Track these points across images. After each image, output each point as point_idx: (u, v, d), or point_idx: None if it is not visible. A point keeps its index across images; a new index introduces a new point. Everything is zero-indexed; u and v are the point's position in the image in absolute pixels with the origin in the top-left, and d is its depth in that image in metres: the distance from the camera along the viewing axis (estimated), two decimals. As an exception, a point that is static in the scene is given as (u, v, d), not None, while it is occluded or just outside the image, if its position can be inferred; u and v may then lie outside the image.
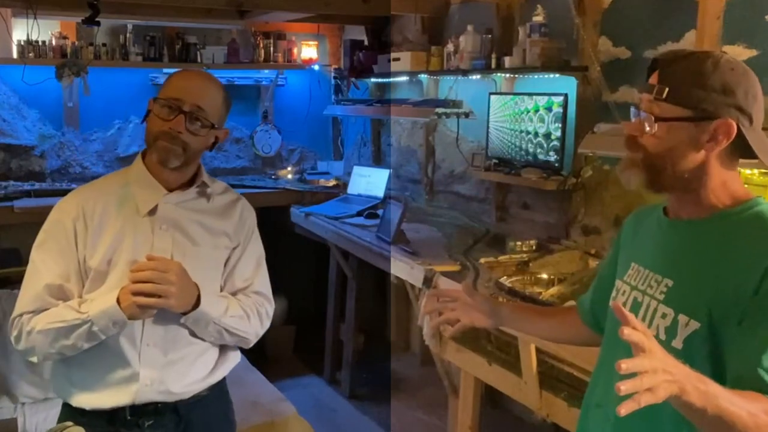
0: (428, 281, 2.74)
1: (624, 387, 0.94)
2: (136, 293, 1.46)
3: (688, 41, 2.50)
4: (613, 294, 1.34)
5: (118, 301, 1.46)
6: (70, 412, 1.62)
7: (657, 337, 1.15)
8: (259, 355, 4.13)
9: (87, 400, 1.58)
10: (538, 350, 2.26)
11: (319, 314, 4.43)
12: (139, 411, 1.58)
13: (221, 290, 1.69)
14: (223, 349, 1.71)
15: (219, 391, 1.73)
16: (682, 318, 1.15)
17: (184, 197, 1.64)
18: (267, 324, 1.74)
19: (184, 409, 1.63)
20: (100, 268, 1.55)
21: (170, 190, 1.63)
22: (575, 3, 2.88)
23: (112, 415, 1.58)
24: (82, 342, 1.50)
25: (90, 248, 1.56)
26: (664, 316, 1.18)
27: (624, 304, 1.26)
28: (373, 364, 4.24)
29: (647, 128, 1.18)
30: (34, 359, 1.58)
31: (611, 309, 1.21)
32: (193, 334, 1.61)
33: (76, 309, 1.50)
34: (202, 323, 1.59)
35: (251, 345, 1.74)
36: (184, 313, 1.55)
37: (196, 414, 1.65)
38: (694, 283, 1.16)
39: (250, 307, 1.69)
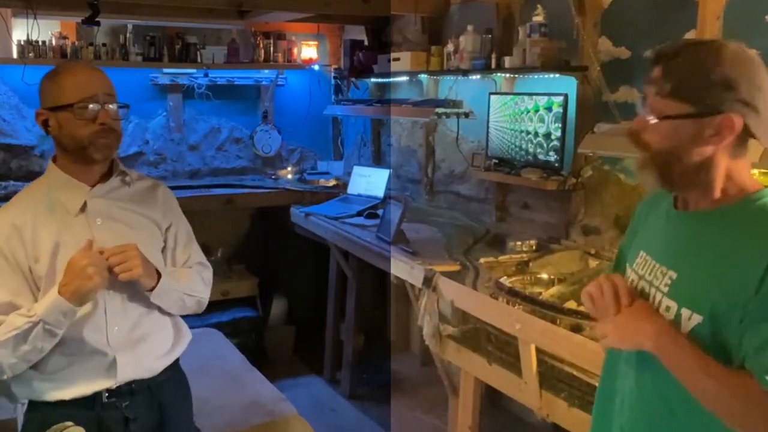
0: (428, 281, 2.74)
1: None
2: (110, 270, 1.56)
3: (688, 41, 2.49)
4: None
5: (60, 293, 1.52)
6: (43, 407, 1.65)
7: None
8: (259, 355, 4.14)
9: (66, 392, 1.63)
10: (538, 350, 2.26)
11: (319, 314, 4.42)
12: (116, 393, 1.67)
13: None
14: (177, 326, 1.83)
15: (179, 371, 1.86)
16: (685, 312, 1.15)
17: (109, 187, 1.72)
18: (210, 287, 1.87)
19: (156, 388, 1.74)
20: (48, 274, 1.59)
21: (92, 186, 1.70)
22: (575, 3, 2.87)
23: (92, 400, 1.65)
24: (41, 343, 1.55)
25: (32, 259, 1.60)
26: (668, 309, 1.18)
27: None
28: (373, 364, 4.24)
29: (651, 123, 1.17)
30: (4, 376, 1.60)
31: None
32: (147, 310, 1.71)
33: (25, 314, 1.54)
34: (167, 294, 1.70)
35: (204, 308, 1.86)
36: (151, 290, 1.66)
37: (166, 393, 1.77)
38: (697, 277, 1.15)
39: (196, 272, 1.83)
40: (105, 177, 1.72)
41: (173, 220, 1.83)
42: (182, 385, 1.88)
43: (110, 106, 1.64)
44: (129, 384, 1.69)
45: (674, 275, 1.19)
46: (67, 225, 1.64)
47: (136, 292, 1.68)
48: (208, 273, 1.88)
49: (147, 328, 1.72)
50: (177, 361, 1.84)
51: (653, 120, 1.16)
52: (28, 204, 1.65)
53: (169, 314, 1.79)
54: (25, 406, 1.72)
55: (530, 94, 3.14)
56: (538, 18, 2.99)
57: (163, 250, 1.80)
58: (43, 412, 1.65)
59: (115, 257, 1.56)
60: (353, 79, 4.59)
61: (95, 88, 1.62)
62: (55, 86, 1.62)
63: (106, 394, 1.66)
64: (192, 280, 1.80)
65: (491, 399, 3.20)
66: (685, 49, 1.15)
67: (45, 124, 1.65)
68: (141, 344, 1.70)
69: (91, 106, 1.60)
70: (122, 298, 1.67)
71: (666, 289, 1.19)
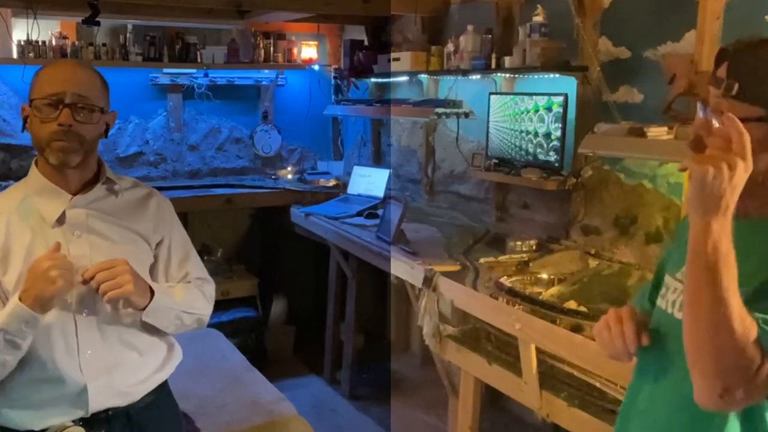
0: (428, 281, 2.74)
1: None
2: (97, 290, 1.43)
3: (688, 41, 2.49)
4: (662, 291, 1.26)
5: (21, 300, 1.40)
6: None
7: None
8: (259, 355, 4.14)
9: (34, 422, 1.51)
10: (538, 350, 2.26)
11: (319, 314, 4.43)
12: (91, 421, 1.54)
13: None
14: (169, 346, 1.69)
15: (166, 392, 1.72)
16: None
17: (92, 197, 1.57)
18: (212, 303, 1.72)
19: (136, 413, 1.59)
20: (17, 288, 1.46)
21: (74, 194, 1.55)
22: (575, 3, 2.87)
23: (63, 429, 1.53)
24: (3, 355, 1.43)
25: (1, 269, 1.49)
26: None
27: (673, 303, 1.20)
28: (373, 364, 4.24)
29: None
30: None
31: (655, 312, 1.23)
32: (130, 330, 1.57)
33: None
34: (161, 312, 1.56)
35: (205, 326, 1.73)
36: (143, 308, 1.53)
37: (148, 419, 1.61)
38: (743, 290, 1.06)
39: (196, 287, 1.68)
40: (90, 184, 1.57)
41: (166, 233, 1.66)
42: (168, 408, 1.72)
43: (78, 106, 1.48)
44: (105, 411, 1.55)
45: None
46: (42, 236, 1.49)
47: (116, 310, 1.54)
48: (210, 288, 1.73)
49: (128, 351, 1.57)
50: (164, 383, 1.68)
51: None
52: (2, 210, 1.52)
53: (159, 333, 1.64)
54: None
55: (530, 94, 3.14)
56: (538, 18, 2.99)
57: (155, 266, 1.65)
58: None
59: (102, 274, 1.42)
60: (353, 79, 4.59)
61: (64, 85, 1.47)
62: (34, 80, 1.52)
63: (80, 423, 1.53)
64: (191, 296, 1.65)
65: (491, 399, 3.20)
66: (754, 46, 1.07)
67: (25, 121, 1.54)
68: (118, 369, 1.55)
69: (51, 104, 1.46)
70: (97, 318, 1.52)
71: None
